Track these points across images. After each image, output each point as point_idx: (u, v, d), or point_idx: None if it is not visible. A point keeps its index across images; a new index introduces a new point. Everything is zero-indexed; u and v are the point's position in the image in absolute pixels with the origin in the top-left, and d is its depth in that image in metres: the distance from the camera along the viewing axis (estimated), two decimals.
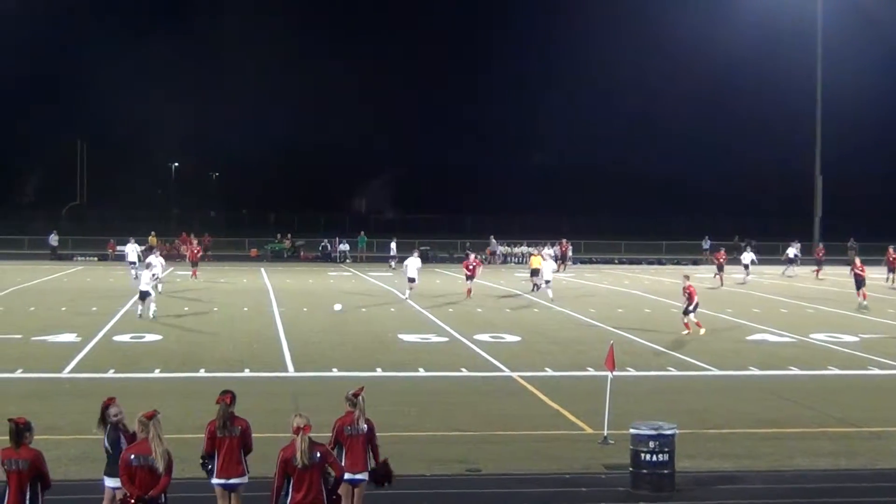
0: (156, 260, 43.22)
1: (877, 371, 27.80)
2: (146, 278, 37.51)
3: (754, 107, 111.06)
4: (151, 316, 36.51)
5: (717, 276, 56.49)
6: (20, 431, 11.60)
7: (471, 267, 46.47)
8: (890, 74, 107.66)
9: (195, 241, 55.26)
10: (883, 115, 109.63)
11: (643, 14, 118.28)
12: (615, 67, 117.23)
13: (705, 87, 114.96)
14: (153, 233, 76.54)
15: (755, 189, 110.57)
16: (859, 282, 43.49)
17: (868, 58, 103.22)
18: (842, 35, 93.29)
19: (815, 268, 53.30)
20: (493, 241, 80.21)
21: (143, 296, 36.99)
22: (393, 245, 70.96)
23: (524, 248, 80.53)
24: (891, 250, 57.67)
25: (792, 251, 59.32)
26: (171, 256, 73.63)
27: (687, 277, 34.89)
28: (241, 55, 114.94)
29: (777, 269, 69.94)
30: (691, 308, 33.69)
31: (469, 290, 45.64)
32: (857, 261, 45.23)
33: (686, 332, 33.47)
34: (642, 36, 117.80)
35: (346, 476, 12.95)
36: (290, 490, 11.74)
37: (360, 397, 13.31)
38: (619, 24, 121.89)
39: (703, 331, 33.34)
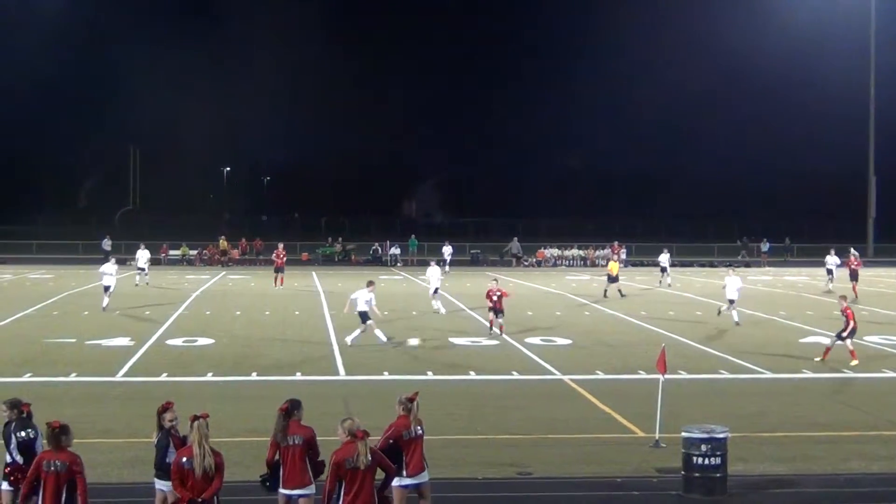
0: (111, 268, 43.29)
1: None
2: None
3: (806, 106, 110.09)
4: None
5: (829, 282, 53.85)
6: (56, 435, 11.79)
7: (495, 298, 33.92)
8: None
9: (281, 247, 54.98)
10: None
11: (687, 14, 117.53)
12: (654, 69, 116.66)
13: (756, 87, 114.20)
14: (222, 237, 76.99)
15: (807, 190, 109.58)
16: None
17: None
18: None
19: (852, 282, 48.96)
20: (516, 242, 79.35)
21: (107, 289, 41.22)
22: (447, 249, 71.02)
23: (575, 251, 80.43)
24: None
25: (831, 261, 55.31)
26: (213, 261, 74.41)
27: (844, 298, 30.54)
28: (291, 59, 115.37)
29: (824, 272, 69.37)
30: (845, 334, 29.03)
31: (500, 326, 33.97)
32: None
33: (854, 361, 28.48)
34: (687, 37, 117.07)
35: (411, 481, 13.10)
36: (342, 493, 11.82)
37: (415, 402, 13.37)
38: (664, 25, 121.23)
39: (855, 362, 28.52)
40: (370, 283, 32.22)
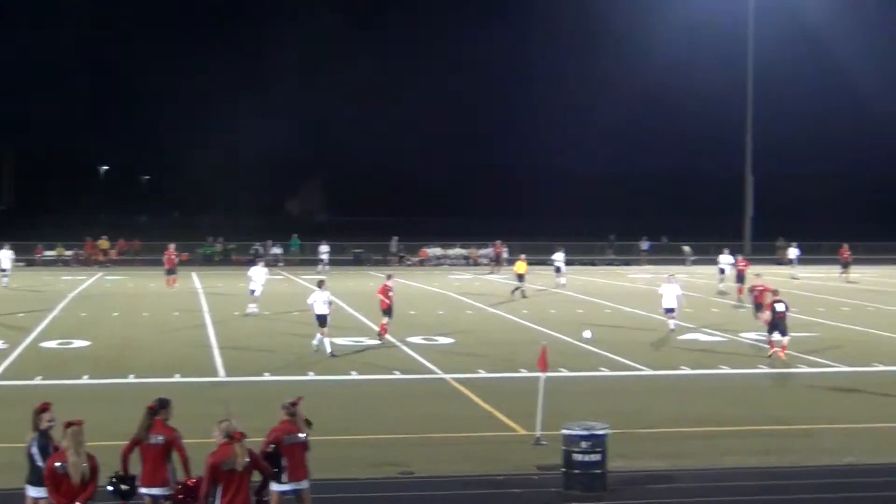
0: None
1: (806, 369, 28.14)
2: None
3: (684, 107, 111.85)
4: None
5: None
6: None
7: (390, 294, 33.00)
8: (820, 75, 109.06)
9: (172, 248, 53.77)
10: (812, 116, 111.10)
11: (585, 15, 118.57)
12: (552, 66, 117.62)
13: (636, 86, 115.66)
14: (104, 237, 75.78)
15: (687, 189, 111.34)
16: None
17: (798, 59, 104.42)
18: (773, 36, 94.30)
19: (738, 284, 49.15)
20: (395, 241, 79.52)
21: None
22: (323, 248, 70.60)
23: (458, 250, 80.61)
24: (845, 247, 59.01)
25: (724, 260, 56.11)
26: (90, 262, 73.14)
27: (776, 293, 30.75)
28: (166, 56, 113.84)
29: (707, 269, 70.56)
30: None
31: (384, 327, 32.73)
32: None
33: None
34: (574, 35, 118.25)
35: (291, 486, 13.06)
36: (219, 496, 11.69)
37: (298, 407, 13.31)
38: (565, 25, 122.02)
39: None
40: (321, 283, 31.16)
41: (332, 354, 28.94)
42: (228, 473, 11.71)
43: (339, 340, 32.81)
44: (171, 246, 54.48)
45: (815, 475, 17.24)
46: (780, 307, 29.58)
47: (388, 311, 32.51)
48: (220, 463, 11.72)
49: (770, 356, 29.26)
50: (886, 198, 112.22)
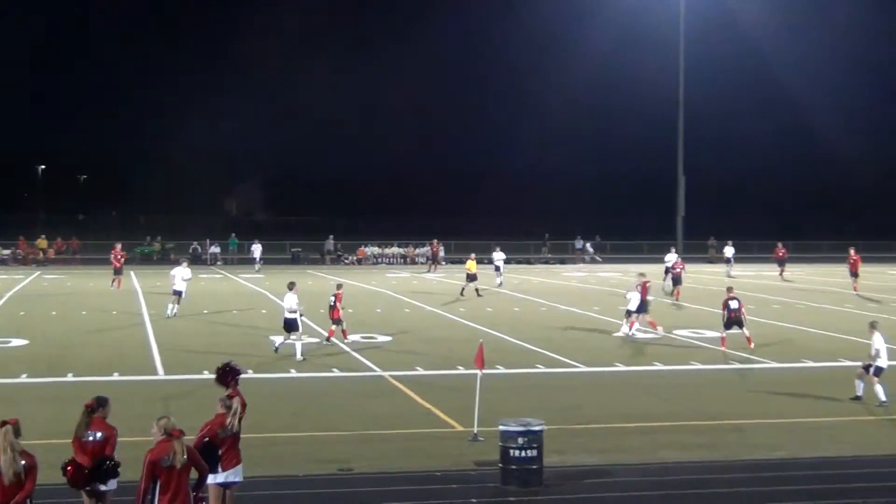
0: None
1: (737, 366, 28.41)
2: None
3: (616, 109, 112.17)
4: None
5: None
6: None
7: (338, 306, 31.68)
8: (748, 79, 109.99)
9: (119, 248, 52.74)
10: (740, 118, 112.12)
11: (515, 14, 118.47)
12: (494, 68, 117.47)
13: (566, 93, 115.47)
14: (42, 236, 75.04)
15: (621, 188, 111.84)
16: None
17: (727, 63, 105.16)
18: (704, 40, 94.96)
19: (675, 286, 48.93)
20: (331, 240, 79.61)
21: None
22: (256, 248, 70.38)
23: (395, 249, 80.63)
24: (779, 245, 59.54)
25: (671, 258, 55.86)
26: (27, 261, 72.32)
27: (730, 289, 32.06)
28: (113, 54, 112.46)
29: (642, 268, 71.03)
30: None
31: (335, 333, 31.61)
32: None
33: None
34: (505, 35, 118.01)
35: (225, 478, 13.06)
36: (157, 492, 11.61)
37: (235, 399, 13.25)
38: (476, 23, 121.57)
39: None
40: (292, 285, 29.68)
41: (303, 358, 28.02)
42: (167, 470, 11.62)
43: (279, 339, 32.68)
44: (118, 245, 53.57)
45: (747, 469, 17.39)
46: (733, 304, 30.41)
47: (338, 321, 31.51)
48: (159, 460, 11.63)
49: (724, 351, 29.93)
50: (813, 198, 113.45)
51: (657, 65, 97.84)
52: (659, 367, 27.93)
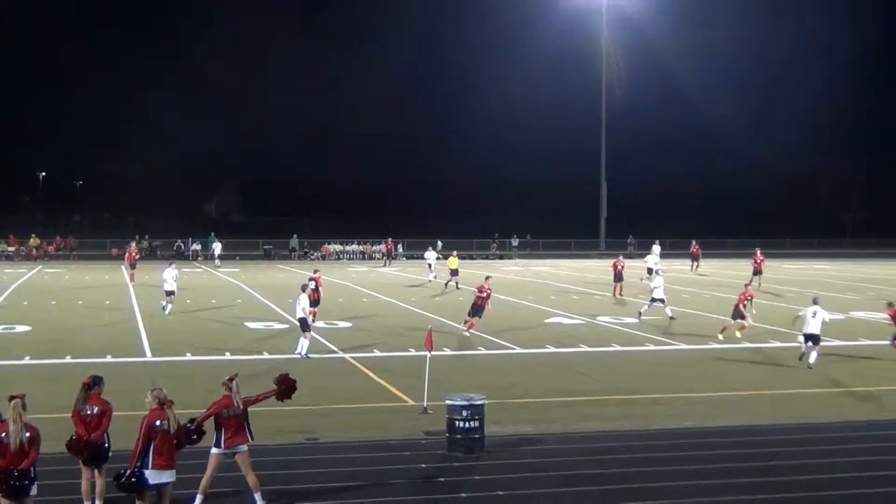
0: None
1: (652, 347, 28.63)
2: None
3: (544, 119, 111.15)
4: None
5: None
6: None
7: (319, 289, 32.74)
8: (664, 93, 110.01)
9: (133, 246, 52.05)
10: (656, 130, 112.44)
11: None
12: (451, 77, 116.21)
13: (497, 108, 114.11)
14: (33, 235, 74.41)
15: (551, 195, 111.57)
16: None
17: (644, 79, 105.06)
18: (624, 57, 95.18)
19: (615, 283, 44.77)
20: (295, 238, 79.68)
21: None
22: (217, 245, 70.02)
23: (355, 247, 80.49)
24: (694, 243, 59.34)
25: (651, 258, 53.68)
26: (31, 257, 71.79)
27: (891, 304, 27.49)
28: (100, 69, 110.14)
29: (570, 263, 71.43)
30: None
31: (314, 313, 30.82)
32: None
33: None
34: (438, 41, 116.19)
35: (228, 450, 13.08)
36: (151, 451, 11.77)
37: (235, 382, 13.28)
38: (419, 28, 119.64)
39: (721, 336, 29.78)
40: (305, 287, 27.54)
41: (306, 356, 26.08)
42: (161, 433, 11.82)
43: (253, 325, 32.58)
44: (133, 244, 53.17)
45: (660, 437, 17.52)
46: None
47: (316, 302, 31.55)
48: (154, 423, 11.81)
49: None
50: (720, 202, 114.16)
51: (583, 88, 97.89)
52: (585, 348, 28.08)
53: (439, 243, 70.09)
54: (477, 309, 28.91)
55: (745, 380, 23.36)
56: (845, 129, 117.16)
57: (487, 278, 31.26)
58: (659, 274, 35.98)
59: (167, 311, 35.32)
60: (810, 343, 25.05)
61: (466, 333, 28.39)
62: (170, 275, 35.98)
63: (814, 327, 24.98)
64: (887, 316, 26.99)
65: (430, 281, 52.15)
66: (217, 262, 66.89)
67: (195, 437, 12.62)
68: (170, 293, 35.73)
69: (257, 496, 13.19)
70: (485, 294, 29.22)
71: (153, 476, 11.79)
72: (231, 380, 13.33)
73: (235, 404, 13.15)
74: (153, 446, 11.79)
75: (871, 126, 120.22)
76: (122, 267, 50.97)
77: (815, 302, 25.68)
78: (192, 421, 12.65)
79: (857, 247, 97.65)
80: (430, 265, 54.85)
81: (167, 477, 11.88)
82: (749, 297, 30.28)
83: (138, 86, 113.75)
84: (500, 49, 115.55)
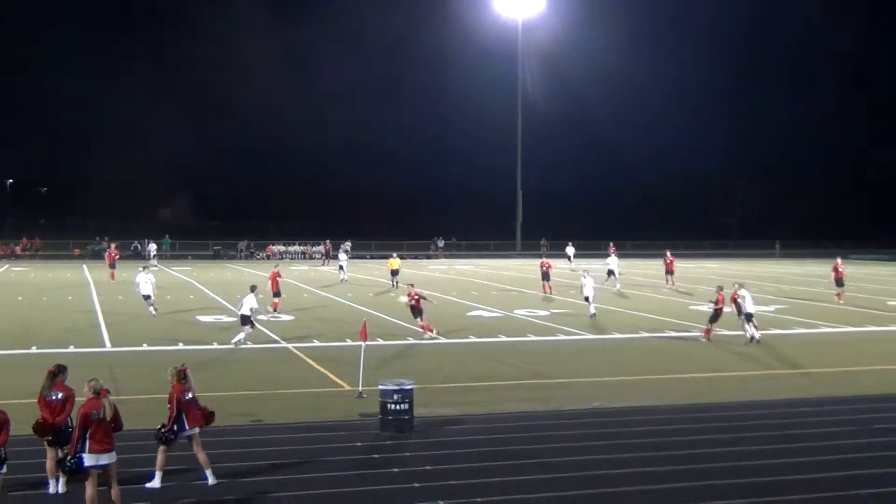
0: None
1: (563, 337, 28.82)
2: None
3: (464, 130, 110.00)
4: None
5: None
6: None
7: (278, 280, 34.44)
8: (578, 104, 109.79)
9: (113, 248, 50.67)
10: (570, 139, 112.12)
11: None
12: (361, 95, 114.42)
13: (439, 119, 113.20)
14: None
15: (470, 200, 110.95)
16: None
17: (556, 98, 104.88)
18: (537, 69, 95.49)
19: (544, 282, 43.58)
20: (244, 242, 79.33)
21: None
22: (152, 246, 68.78)
23: (296, 247, 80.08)
24: (668, 253, 55.42)
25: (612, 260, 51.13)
26: (7, 255, 70.51)
27: (721, 289, 28.87)
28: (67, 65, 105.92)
29: (489, 262, 71.67)
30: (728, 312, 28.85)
31: (276, 304, 33.68)
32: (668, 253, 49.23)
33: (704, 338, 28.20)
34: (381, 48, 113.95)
35: (188, 431, 13.04)
36: (88, 439, 11.55)
37: (185, 371, 13.30)
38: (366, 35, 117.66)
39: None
40: (253, 288, 26.92)
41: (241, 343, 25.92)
42: (97, 422, 11.54)
43: (204, 318, 32.23)
44: (113, 245, 52.08)
45: (570, 417, 17.64)
46: (743, 296, 28.26)
47: (277, 293, 33.72)
48: (90, 413, 11.54)
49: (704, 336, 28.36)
50: (622, 206, 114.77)
51: (502, 105, 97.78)
52: (503, 338, 28.17)
53: (348, 244, 68.36)
54: (416, 311, 28.55)
55: (644, 364, 23.61)
56: (726, 135, 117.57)
57: (411, 286, 30.81)
58: (589, 274, 34.84)
59: (154, 313, 32.53)
60: (749, 321, 27.57)
61: (426, 336, 27.79)
62: (143, 279, 33.46)
63: (749, 307, 27.73)
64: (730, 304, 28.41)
65: (341, 281, 49.45)
66: (153, 260, 64.72)
67: (172, 438, 12.87)
68: (147, 296, 33.17)
69: (208, 472, 13.08)
70: (416, 298, 28.85)
71: (90, 459, 11.52)
72: (183, 371, 13.23)
73: (186, 391, 13.10)
74: (89, 433, 11.53)
75: (753, 132, 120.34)
76: (107, 265, 49.74)
77: (742, 286, 28.70)
78: (163, 426, 12.87)
79: (742, 247, 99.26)
80: (341, 266, 51.72)
81: (105, 459, 11.58)
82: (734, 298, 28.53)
83: (112, 89, 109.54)
84: (424, 67, 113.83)
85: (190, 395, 13.18)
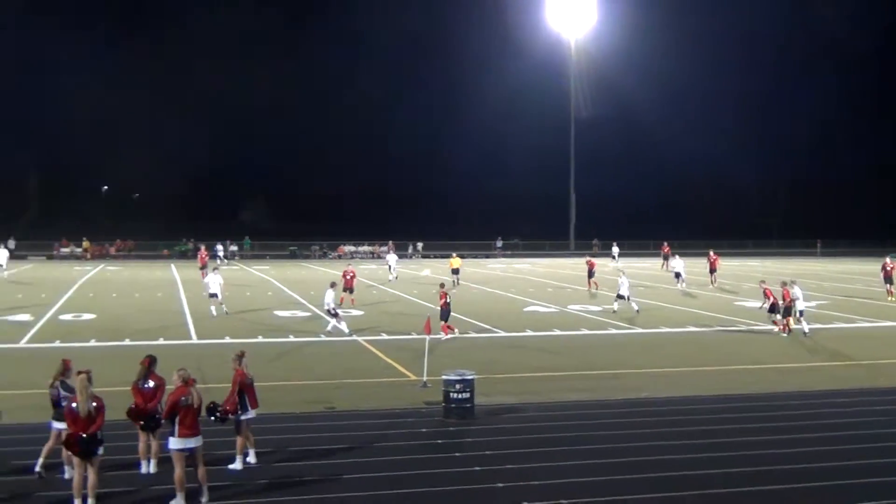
0: None
1: (614, 331, 28.65)
2: None
3: (518, 137, 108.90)
4: None
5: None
6: None
7: (348, 277, 34.79)
8: (622, 116, 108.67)
9: (203, 249, 50.92)
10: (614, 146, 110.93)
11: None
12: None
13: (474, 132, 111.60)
14: (84, 238, 74.28)
15: (526, 202, 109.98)
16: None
17: (607, 105, 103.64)
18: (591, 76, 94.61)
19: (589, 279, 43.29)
20: (317, 245, 79.71)
21: None
22: (219, 247, 68.22)
23: (365, 248, 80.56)
24: (712, 252, 53.71)
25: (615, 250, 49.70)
26: (102, 255, 71.98)
27: (763, 282, 29.76)
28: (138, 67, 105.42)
29: (545, 261, 71.43)
30: (766, 307, 28.55)
31: (351, 300, 34.57)
32: (711, 252, 48.54)
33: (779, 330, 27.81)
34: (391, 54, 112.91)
35: (249, 414, 13.18)
36: (178, 424, 11.73)
37: (244, 358, 13.44)
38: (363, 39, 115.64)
39: (783, 333, 27.55)
40: (333, 284, 27.85)
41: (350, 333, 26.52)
42: (185, 408, 11.74)
43: (281, 313, 32.57)
44: (203, 247, 52.24)
45: (620, 405, 17.59)
46: (795, 294, 27.87)
47: (350, 290, 34.23)
48: (180, 400, 11.74)
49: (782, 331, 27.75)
50: (670, 209, 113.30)
51: (552, 108, 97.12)
52: (557, 332, 28.09)
53: (391, 244, 68.07)
54: (444, 313, 28.12)
55: (687, 356, 23.39)
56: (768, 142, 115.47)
57: (442, 285, 30.07)
58: (624, 274, 34.74)
59: (224, 312, 31.98)
60: (801, 316, 27.76)
61: (443, 337, 27.17)
62: (213, 280, 32.89)
63: (801, 304, 27.86)
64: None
65: (390, 280, 48.01)
66: (222, 261, 63.99)
67: (222, 420, 12.92)
68: (213, 295, 32.57)
69: (251, 451, 13.40)
70: (443, 300, 28.36)
71: (179, 443, 11.67)
72: (240, 356, 13.40)
73: (247, 375, 13.24)
74: (178, 418, 11.71)
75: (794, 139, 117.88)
76: (198, 267, 49.88)
77: (794, 283, 28.34)
78: (214, 406, 12.87)
79: (784, 247, 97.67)
80: (390, 266, 50.12)
81: (192, 443, 11.73)
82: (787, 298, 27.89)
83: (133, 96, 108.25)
84: (480, 72, 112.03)
85: (250, 379, 13.31)
